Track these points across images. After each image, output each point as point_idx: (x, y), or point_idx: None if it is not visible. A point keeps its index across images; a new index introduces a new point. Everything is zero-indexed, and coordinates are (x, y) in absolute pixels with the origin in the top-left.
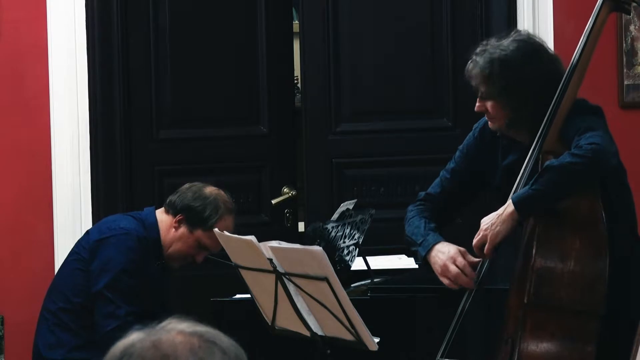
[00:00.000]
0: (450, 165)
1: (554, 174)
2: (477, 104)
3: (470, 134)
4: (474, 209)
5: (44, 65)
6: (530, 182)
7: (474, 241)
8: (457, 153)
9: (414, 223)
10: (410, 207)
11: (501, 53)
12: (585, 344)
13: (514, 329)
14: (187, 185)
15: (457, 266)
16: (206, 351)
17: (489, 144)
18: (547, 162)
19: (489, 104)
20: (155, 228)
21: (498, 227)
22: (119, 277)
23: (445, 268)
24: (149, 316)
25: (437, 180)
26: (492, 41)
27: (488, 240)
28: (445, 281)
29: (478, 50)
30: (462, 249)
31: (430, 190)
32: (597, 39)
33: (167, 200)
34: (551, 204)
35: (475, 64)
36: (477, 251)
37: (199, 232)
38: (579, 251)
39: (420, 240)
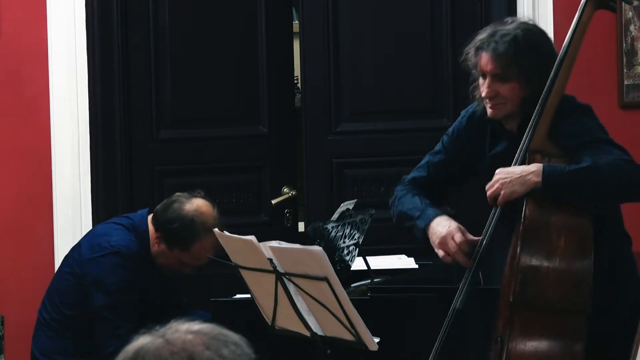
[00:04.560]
0: (438, 149)
1: (600, 175)
2: (488, 89)
3: (458, 119)
4: (468, 205)
5: (44, 66)
6: (570, 166)
7: (488, 191)
8: (445, 138)
9: (408, 199)
10: (398, 188)
11: (520, 33)
12: (574, 342)
13: (503, 328)
14: (173, 198)
15: (455, 242)
16: (219, 344)
17: (477, 130)
18: (588, 162)
19: (506, 87)
20: (147, 237)
21: (516, 187)
22: (114, 297)
23: (443, 241)
24: (157, 316)
25: (423, 164)
26: (493, 27)
27: (501, 195)
28: (441, 253)
29: (484, 36)
30: (462, 227)
31: (415, 174)
32: (583, 36)
33: (155, 210)
34: (576, 199)
35: (495, 47)
36: (491, 201)
37: (176, 252)
38: (564, 250)
39: (418, 214)
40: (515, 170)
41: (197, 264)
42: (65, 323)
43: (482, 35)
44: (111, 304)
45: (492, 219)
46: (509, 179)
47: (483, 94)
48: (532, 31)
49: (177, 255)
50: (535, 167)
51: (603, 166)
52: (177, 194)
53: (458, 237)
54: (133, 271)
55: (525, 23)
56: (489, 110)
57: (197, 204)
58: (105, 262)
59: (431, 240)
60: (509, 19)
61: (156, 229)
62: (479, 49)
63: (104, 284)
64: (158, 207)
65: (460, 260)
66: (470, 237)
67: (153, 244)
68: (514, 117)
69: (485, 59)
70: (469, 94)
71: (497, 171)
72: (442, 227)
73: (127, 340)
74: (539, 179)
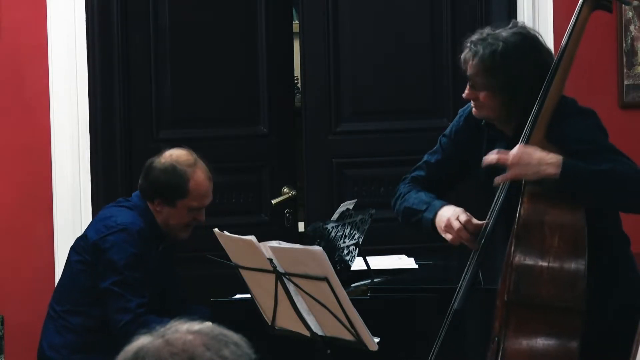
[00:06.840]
0: (436, 149)
1: (619, 181)
2: (467, 92)
3: (456, 119)
4: (468, 204)
5: (44, 65)
6: (590, 166)
7: (498, 156)
8: (443, 139)
9: (412, 195)
10: (400, 186)
11: (502, 45)
12: (569, 340)
13: (499, 327)
14: (147, 165)
15: (459, 221)
16: (220, 344)
17: (475, 131)
18: (608, 166)
19: (482, 94)
20: (149, 212)
21: (528, 171)
22: (124, 273)
23: (448, 223)
24: (158, 305)
25: (421, 164)
26: (490, 30)
27: (509, 171)
28: (448, 237)
29: (475, 38)
30: (467, 212)
31: (415, 174)
32: (580, 37)
33: (139, 187)
34: (589, 199)
35: (475, 53)
36: (500, 162)
37: (180, 203)
38: (558, 248)
39: (425, 207)
40: (534, 154)
41: (205, 202)
42: (78, 314)
43: (476, 35)
44: (120, 280)
45: (497, 201)
46: (526, 162)
47: (463, 95)
48: (517, 45)
49: (183, 205)
50: (554, 158)
51: (622, 173)
52: (148, 161)
53: (463, 217)
54: (140, 248)
55: (517, 34)
56: (472, 109)
57: (167, 153)
58: (114, 240)
59: (438, 227)
60: (512, 23)
61: (152, 198)
62: (465, 48)
63: (112, 261)
64: (139, 182)
65: (464, 240)
66: (476, 220)
67: (157, 215)
68: (508, 121)
69: (464, 61)
70: None
71: (519, 145)
72: (448, 212)
73: (137, 315)
74: (556, 170)
